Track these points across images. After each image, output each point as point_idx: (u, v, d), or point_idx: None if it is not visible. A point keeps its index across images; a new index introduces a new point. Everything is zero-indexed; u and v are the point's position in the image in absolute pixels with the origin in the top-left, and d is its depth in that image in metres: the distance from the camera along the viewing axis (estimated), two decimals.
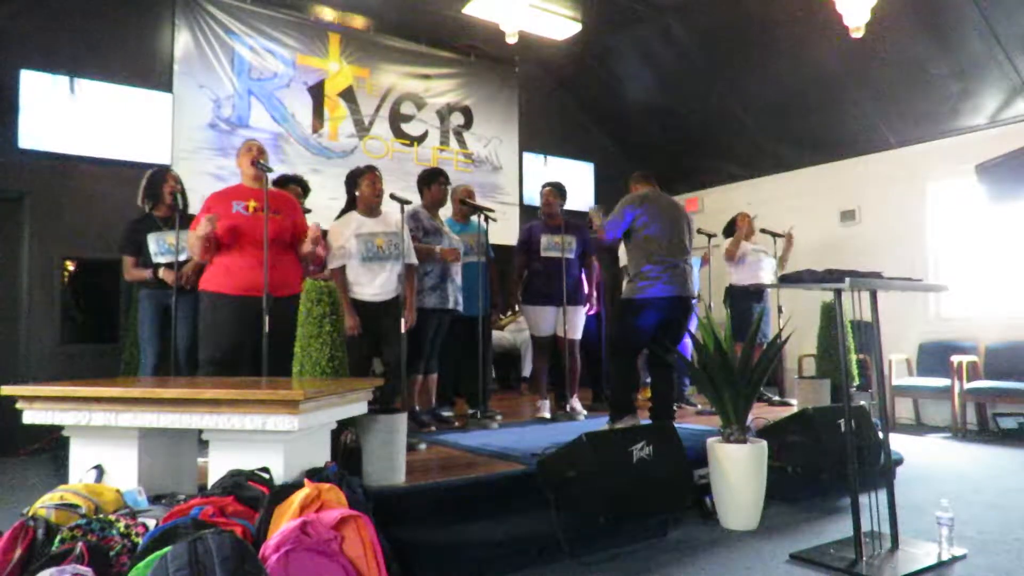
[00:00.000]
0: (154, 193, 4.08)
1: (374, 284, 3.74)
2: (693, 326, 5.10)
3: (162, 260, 3.93)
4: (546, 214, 4.81)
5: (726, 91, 7.11)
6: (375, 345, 3.81)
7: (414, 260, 3.95)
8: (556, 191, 4.84)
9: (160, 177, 4.13)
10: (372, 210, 3.86)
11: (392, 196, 3.76)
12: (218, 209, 3.32)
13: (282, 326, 3.18)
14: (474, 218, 4.50)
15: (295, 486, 2.11)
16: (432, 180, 4.33)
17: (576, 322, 4.77)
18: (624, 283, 4.05)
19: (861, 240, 6.79)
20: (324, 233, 4.02)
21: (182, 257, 3.76)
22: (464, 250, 4.38)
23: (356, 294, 3.74)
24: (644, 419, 3.86)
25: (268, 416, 2.22)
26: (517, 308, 4.96)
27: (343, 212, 3.98)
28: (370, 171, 3.88)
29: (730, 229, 5.71)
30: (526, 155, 7.95)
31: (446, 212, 4.57)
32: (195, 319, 3.52)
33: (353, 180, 3.91)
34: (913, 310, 6.34)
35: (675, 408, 4.18)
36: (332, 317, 2.95)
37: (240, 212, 3.34)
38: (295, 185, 4.30)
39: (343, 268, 3.75)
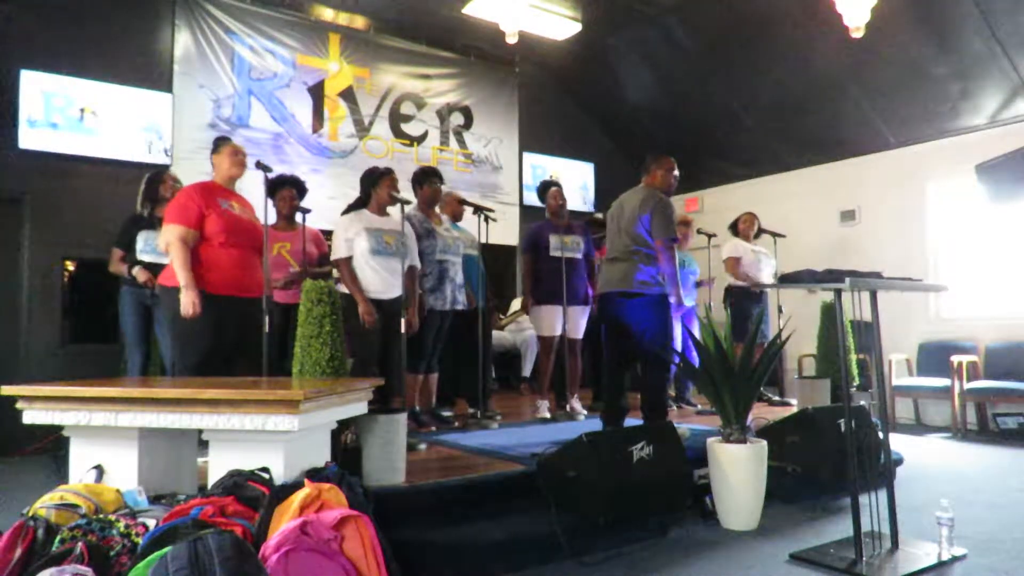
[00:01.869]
0: (152, 195, 4.15)
1: (380, 280, 3.74)
2: (694, 327, 5.12)
3: (145, 259, 3.98)
4: (554, 214, 4.81)
5: (726, 91, 7.11)
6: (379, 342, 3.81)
7: (417, 263, 3.96)
8: (562, 191, 4.87)
9: (157, 179, 4.19)
10: (382, 211, 3.89)
11: (392, 196, 3.77)
12: (209, 203, 3.25)
13: (256, 327, 3.23)
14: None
15: (295, 486, 2.11)
16: (425, 180, 4.32)
17: (580, 322, 4.78)
18: None
19: (861, 240, 6.79)
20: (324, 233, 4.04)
21: (163, 260, 3.73)
22: (458, 247, 4.40)
23: (363, 290, 3.73)
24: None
25: (268, 416, 2.22)
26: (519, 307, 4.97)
27: (351, 208, 3.97)
28: (390, 174, 3.88)
29: (731, 229, 5.71)
30: (526, 155, 7.95)
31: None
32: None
33: (371, 179, 3.89)
34: (913, 310, 6.34)
35: (667, 408, 4.14)
36: (332, 317, 2.95)
37: (229, 210, 3.30)
38: (290, 187, 4.28)
39: (350, 259, 3.74)
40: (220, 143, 3.45)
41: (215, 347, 3.20)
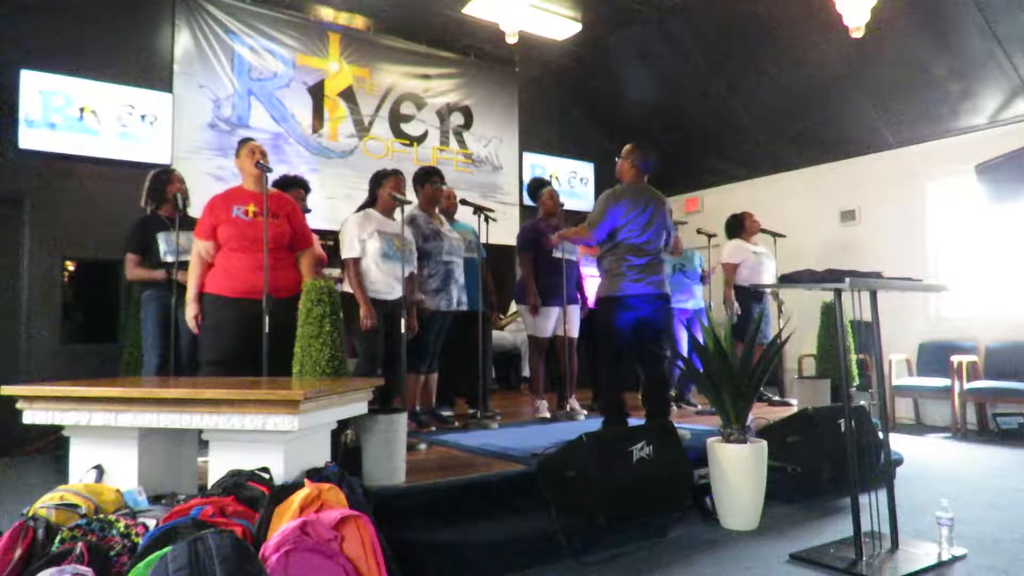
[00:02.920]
0: (158, 194, 4.07)
1: (385, 282, 3.74)
2: (696, 329, 5.11)
3: (170, 259, 3.92)
4: (550, 214, 4.80)
5: (726, 91, 7.11)
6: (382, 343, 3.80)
7: (415, 268, 3.97)
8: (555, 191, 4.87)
9: (165, 178, 4.13)
10: (389, 213, 3.88)
11: (392, 196, 3.77)
12: (221, 213, 3.36)
13: (281, 328, 3.20)
14: (459, 218, 4.54)
15: (295, 486, 2.11)
16: (426, 179, 4.29)
17: (575, 322, 4.78)
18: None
19: (861, 240, 6.79)
20: (321, 234, 4.03)
21: (184, 258, 3.75)
22: (461, 248, 4.38)
23: (369, 292, 3.72)
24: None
25: (268, 416, 2.22)
26: (520, 307, 4.92)
27: (362, 208, 3.97)
28: (396, 175, 3.90)
29: (732, 230, 5.68)
30: (526, 155, 7.95)
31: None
32: None
33: (378, 180, 3.90)
34: (913, 310, 6.34)
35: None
36: (332, 317, 2.95)
37: (240, 217, 3.36)
38: (297, 187, 4.27)
39: (358, 260, 3.73)
40: (239, 145, 3.52)
41: (234, 347, 3.26)
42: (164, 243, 3.94)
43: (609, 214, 3.74)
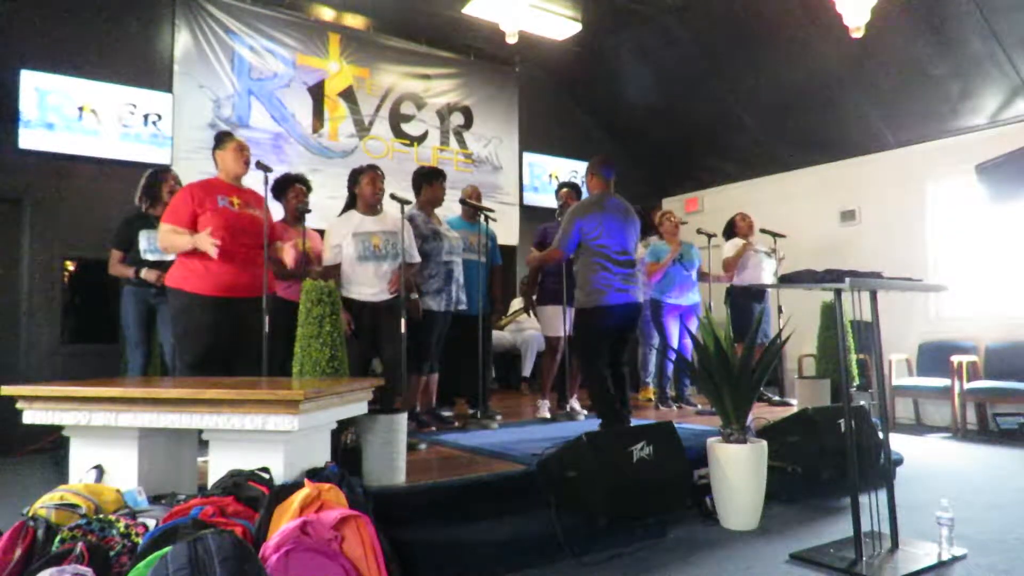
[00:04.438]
0: (152, 193, 4.12)
1: (370, 283, 3.71)
2: (694, 327, 5.11)
3: (150, 258, 3.97)
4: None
5: (726, 91, 7.11)
6: (373, 345, 3.80)
7: (416, 259, 3.95)
8: (575, 192, 4.86)
9: (158, 177, 4.17)
10: (372, 209, 3.84)
11: (392, 196, 3.75)
12: (204, 201, 3.22)
13: (255, 328, 3.18)
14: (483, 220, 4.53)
15: (295, 486, 2.11)
16: (432, 179, 4.28)
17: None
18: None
19: (861, 240, 6.79)
20: (322, 233, 4.02)
21: (169, 257, 3.74)
22: (464, 247, 4.38)
23: (352, 293, 3.71)
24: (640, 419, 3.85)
25: (268, 416, 2.22)
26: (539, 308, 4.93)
27: (344, 210, 3.97)
28: (371, 170, 3.86)
29: (729, 231, 5.69)
30: (526, 155, 7.94)
31: (448, 212, 4.57)
32: None
33: (355, 178, 3.89)
34: (913, 310, 6.34)
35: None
36: (332, 317, 2.95)
37: (227, 207, 3.25)
38: (300, 184, 4.26)
39: (338, 265, 3.73)
40: (224, 139, 3.39)
41: (213, 347, 3.19)
42: (144, 241, 4.01)
43: (575, 229, 3.76)
